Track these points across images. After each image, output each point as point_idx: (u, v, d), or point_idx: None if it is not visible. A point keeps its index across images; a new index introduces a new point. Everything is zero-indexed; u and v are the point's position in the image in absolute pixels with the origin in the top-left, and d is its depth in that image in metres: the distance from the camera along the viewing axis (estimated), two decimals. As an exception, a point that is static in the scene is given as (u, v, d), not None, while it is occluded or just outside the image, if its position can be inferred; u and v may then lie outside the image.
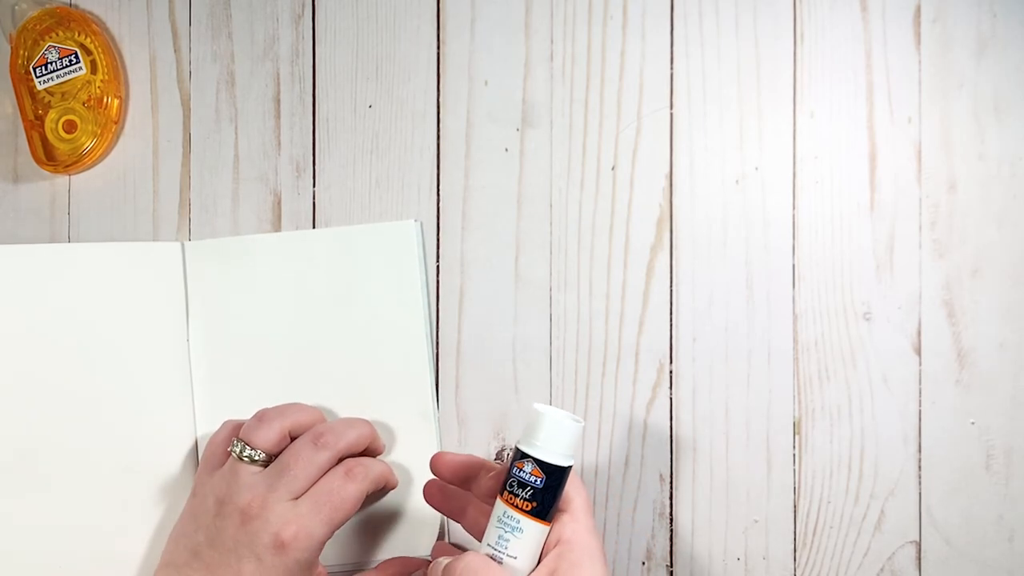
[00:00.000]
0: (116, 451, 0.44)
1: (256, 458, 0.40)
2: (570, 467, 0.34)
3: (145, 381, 0.46)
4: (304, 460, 0.39)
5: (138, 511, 0.44)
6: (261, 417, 0.41)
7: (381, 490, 0.43)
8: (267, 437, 0.40)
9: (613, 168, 0.45)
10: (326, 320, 0.46)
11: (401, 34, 0.47)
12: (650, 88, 0.45)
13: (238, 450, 0.40)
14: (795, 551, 0.44)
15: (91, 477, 0.44)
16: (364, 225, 0.47)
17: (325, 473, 0.40)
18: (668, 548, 0.44)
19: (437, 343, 0.46)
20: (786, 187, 0.44)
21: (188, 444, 0.46)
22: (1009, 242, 0.43)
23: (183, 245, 0.48)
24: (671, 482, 0.44)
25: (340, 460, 0.41)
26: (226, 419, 0.44)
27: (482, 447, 0.46)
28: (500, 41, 0.46)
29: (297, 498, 0.38)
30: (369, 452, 0.44)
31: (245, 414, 0.45)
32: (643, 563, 0.44)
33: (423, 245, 0.47)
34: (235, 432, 0.42)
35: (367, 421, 0.44)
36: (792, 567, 0.44)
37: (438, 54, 0.47)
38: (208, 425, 0.46)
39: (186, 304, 0.47)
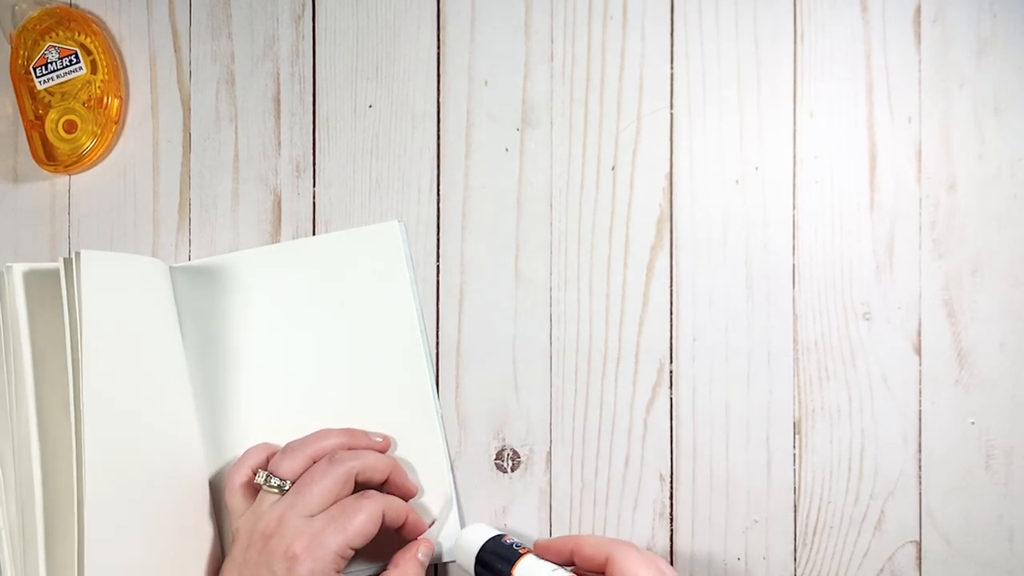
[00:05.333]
0: (135, 470, 0.41)
1: (284, 487, 0.41)
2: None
3: (148, 397, 0.43)
4: (319, 475, 0.40)
5: (157, 528, 0.42)
6: (286, 449, 0.43)
7: (403, 528, 0.43)
8: (291, 467, 0.41)
9: (613, 168, 0.45)
10: (320, 329, 0.46)
11: (401, 34, 0.47)
12: (650, 88, 0.45)
13: (262, 479, 0.41)
14: (795, 551, 0.44)
15: (114, 497, 0.40)
16: (348, 230, 0.47)
17: (341, 490, 0.40)
18: (668, 548, 0.44)
19: (437, 343, 0.46)
20: (786, 187, 0.44)
21: (199, 459, 0.46)
22: (1009, 242, 0.43)
23: (170, 269, 0.47)
24: (671, 482, 0.44)
25: (359, 484, 0.42)
26: (228, 468, 0.44)
27: (482, 447, 0.46)
28: (500, 41, 0.46)
29: (314, 516, 0.39)
30: (397, 488, 0.43)
31: (251, 433, 0.46)
32: (643, 563, 0.44)
33: (408, 243, 0.47)
34: (242, 474, 0.43)
35: (391, 457, 0.44)
36: (792, 567, 0.44)
37: (438, 54, 0.47)
38: (216, 443, 0.46)
39: (179, 326, 0.47)
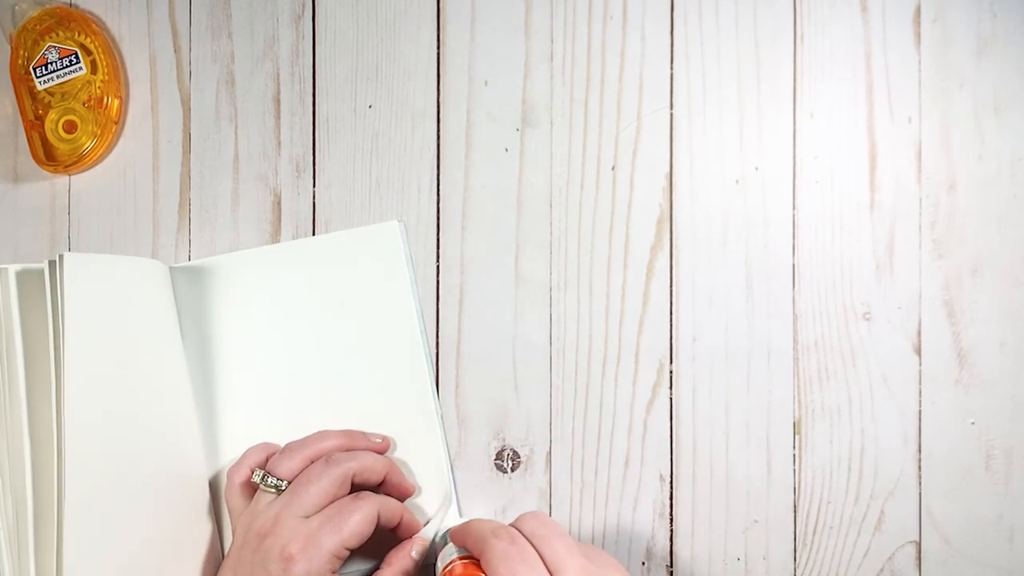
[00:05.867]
0: (131, 470, 0.41)
1: (281, 487, 0.41)
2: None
3: (145, 398, 0.43)
4: (315, 476, 0.40)
5: (155, 528, 0.42)
6: (285, 450, 0.43)
7: (398, 529, 0.43)
8: (289, 467, 0.41)
9: (613, 168, 0.45)
10: (320, 329, 0.46)
11: (401, 34, 0.47)
12: (650, 88, 0.45)
13: (259, 479, 0.41)
14: (795, 551, 0.44)
15: (106, 496, 0.40)
16: (348, 230, 0.47)
17: (337, 491, 0.40)
18: (668, 548, 0.44)
19: (437, 343, 0.46)
20: (786, 187, 0.44)
21: (198, 459, 0.46)
22: (1009, 242, 0.43)
23: (170, 269, 0.47)
24: (671, 482, 0.44)
25: (356, 485, 0.42)
26: (228, 467, 0.44)
27: (482, 447, 0.46)
28: (500, 41, 0.46)
29: (310, 516, 0.39)
30: (393, 488, 0.44)
31: (251, 433, 0.46)
32: (643, 563, 0.44)
33: (408, 243, 0.47)
34: (241, 474, 0.43)
35: (387, 457, 0.44)
36: (792, 567, 0.44)
37: (438, 54, 0.47)
38: (215, 443, 0.46)
39: (180, 326, 0.47)
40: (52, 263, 0.39)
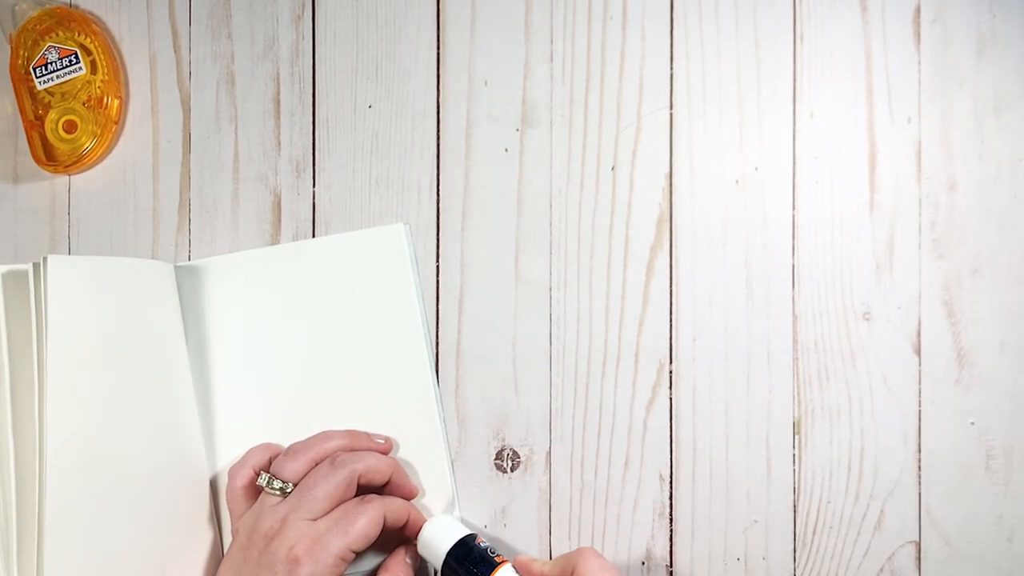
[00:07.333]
0: (131, 470, 0.41)
1: (287, 489, 0.41)
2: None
3: (145, 398, 0.43)
4: (321, 478, 0.40)
5: (156, 528, 0.43)
6: (289, 451, 0.43)
7: (405, 528, 0.43)
8: (294, 469, 0.41)
9: (613, 168, 0.45)
10: (323, 330, 0.46)
11: (401, 34, 0.47)
12: (650, 88, 0.45)
13: (265, 481, 0.41)
14: (795, 551, 0.44)
15: (99, 496, 0.40)
16: (353, 232, 0.47)
17: (344, 493, 0.40)
18: (668, 548, 0.44)
19: (437, 343, 0.46)
20: (786, 187, 0.44)
21: (200, 459, 0.46)
22: (1009, 242, 0.43)
23: (175, 268, 0.47)
24: (671, 482, 0.44)
25: (361, 486, 0.42)
26: (229, 467, 0.44)
27: (482, 447, 0.46)
28: (500, 41, 0.46)
29: (317, 519, 0.39)
30: (398, 488, 0.44)
31: (253, 434, 0.46)
32: (643, 563, 0.44)
33: (413, 246, 0.47)
34: (243, 474, 0.43)
35: (392, 458, 0.44)
36: (792, 567, 0.44)
37: (438, 54, 0.47)
38: (217, 443, 0.46)
39: (184, 326, 0.47)
40: (36, 265, 0.39)
